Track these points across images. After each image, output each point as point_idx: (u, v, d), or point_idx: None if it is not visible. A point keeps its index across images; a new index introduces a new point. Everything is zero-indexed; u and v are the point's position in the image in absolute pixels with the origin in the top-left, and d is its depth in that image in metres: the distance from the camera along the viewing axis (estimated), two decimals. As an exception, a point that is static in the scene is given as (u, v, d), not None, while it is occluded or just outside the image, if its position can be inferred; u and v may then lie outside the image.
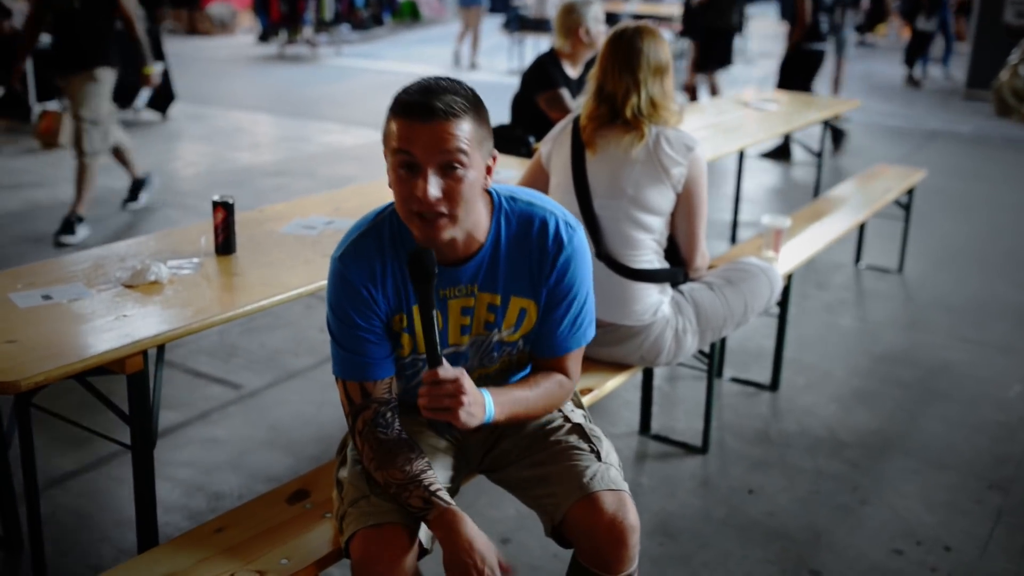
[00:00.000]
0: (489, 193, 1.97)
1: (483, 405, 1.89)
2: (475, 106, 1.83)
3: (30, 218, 6.26)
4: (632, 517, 1.97)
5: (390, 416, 1.97)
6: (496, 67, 13.96)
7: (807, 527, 3.12)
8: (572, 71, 4.69)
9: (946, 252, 6.15)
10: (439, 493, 1.88)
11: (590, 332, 2.11)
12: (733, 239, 6.14)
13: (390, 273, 1.92)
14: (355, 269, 1.91)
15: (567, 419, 2.15)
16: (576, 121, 2.97)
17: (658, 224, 2.90)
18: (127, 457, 3.37)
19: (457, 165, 1.78)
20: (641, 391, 3.68)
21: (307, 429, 3.65)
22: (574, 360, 2.12)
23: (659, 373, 4.05)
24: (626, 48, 2.87)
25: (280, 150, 8.67)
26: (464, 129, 1.78)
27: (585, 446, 2.06)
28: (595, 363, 2.98)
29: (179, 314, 2.30)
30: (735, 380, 4.15)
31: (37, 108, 8.58)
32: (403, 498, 1.90)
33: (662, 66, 2.87)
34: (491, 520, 3.06)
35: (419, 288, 1.83)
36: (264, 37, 16.37)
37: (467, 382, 1.84)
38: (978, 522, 3.18)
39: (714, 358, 3.48)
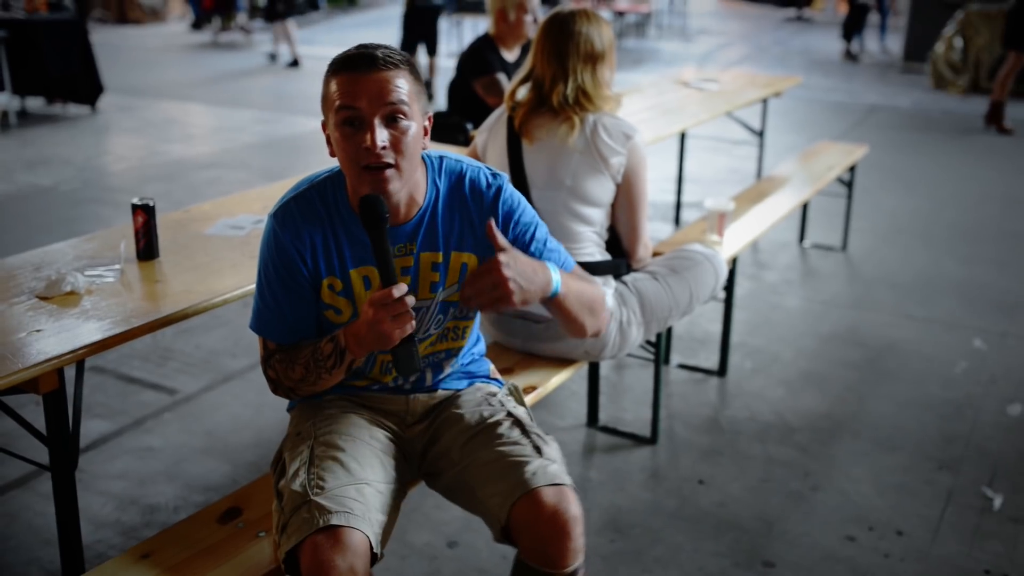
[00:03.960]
0: (423, 159, 2.02)
1: (544, 278, 1.95)
2: (408, 63, 1.91)
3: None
4: (574, 508, 1.90)
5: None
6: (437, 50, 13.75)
7: (759, 516, 3.08)
8: (509, 55, 4.59)
9: (890, 228, 6.16)
10: (329, 337, 1.94)
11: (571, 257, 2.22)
12: (677, 221, 6.09)
13: (320, 236, 1.96)
14: (287, 228, 1.96)
15: (509, 414, 2.10)
16: (512, 110, 2.87)
17: (598, 216, 2.82)
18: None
19: (400, 116, 1.85)
20: (588, 382, 3.61)
21: (245, 434, 3.53)
22: (580, 272, 2.22)
23: (606, 363, 3.99)
24: (557, 32, 2.77)
25: (214, 141, 8.47)
26: (403, 81, 1.86)
27: (526, 441, 2.01)
28: (538, 359, 2.90)
29: (97, 327, 2.17)
30: (683, 367, 4.10)
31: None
32: (319, 374, 1.95)
33: (596, 53, 2.77)
34: (437, 522, 2.97)
35: (372, 234, 1.85)
36: (197, 25, 16.02)
37: (507, 267, 1.86)
38: (929, 504, 3.16)
39: (661, 346, 3.41)
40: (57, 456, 2.15)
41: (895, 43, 14.35)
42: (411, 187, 1.95)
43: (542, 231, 2.12)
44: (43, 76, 8.95)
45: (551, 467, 1.94)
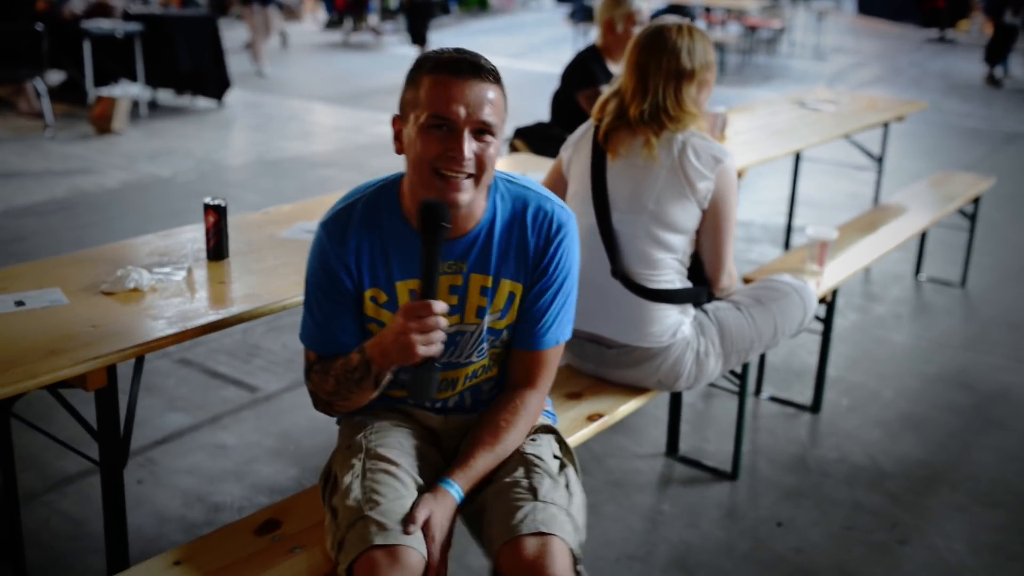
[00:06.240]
0: None
1: (451, 509, 1.87)
2: (501, 77, 1.85)
3: (71, 206, 6.23)
4: (558, 565, 1.76)
5: None
6: (562, 58, 13.71)
7: (837, 567, 2.90)
8: (615, 67, 4.48)
9: (1015, 265, 5.81)
10: (359, 348, 1.88)
11: (568, 331, 2.05)
12: (787, 245, 5.87)
13: (368, 246, 1.90)
14: (334, 237, 1.91)
15: (520, 453, 2.00)
16: (598, 126, 2.76)
17: (680, 243, 2.68)
18: (133, 460, 3.30)
19: (489, 132, 1.80)
20: (669, 410, 3.47)
21: (318, 437, 3.51)
22: (551, 360, 2.04)
23: (691, 391, 3.83)
24: (646, 46, 2.65)
25: (331, 140, 8.58)
26: (497, 96, 1.81)
27: (525, 482, 1.90)
28: (609, 385, 2.78)
29: (151, 326, 2.16)
30: (774, 399, 3.92)
31: (93, 93, 8.61)
32: (348, 388, 1.89)
33: (682, 69, 2.63)
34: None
35: (426, 239, 1.76)
36: (331, 24, 16.37)
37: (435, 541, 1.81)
38: (1028, 569, 2.93)
39: (746, 378, 3.26)
40: (106, 453, 2.15)
41: (1043, 69, 13.66)
42: (473, 200, 1.88)
43: (563, 299, 1.99)
44: (174, 69, 9.23)
45: (542, 513, 1.84)
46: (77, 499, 3.10)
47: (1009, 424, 3.83)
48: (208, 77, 9.42)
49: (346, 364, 1.89)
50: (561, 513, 1.86)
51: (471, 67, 1.78)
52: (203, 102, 9.65)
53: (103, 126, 8.15)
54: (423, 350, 1.73)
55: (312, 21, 17.51)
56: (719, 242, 2.71)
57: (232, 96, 9.79)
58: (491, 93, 1.80)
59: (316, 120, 9.56)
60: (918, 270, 5.44)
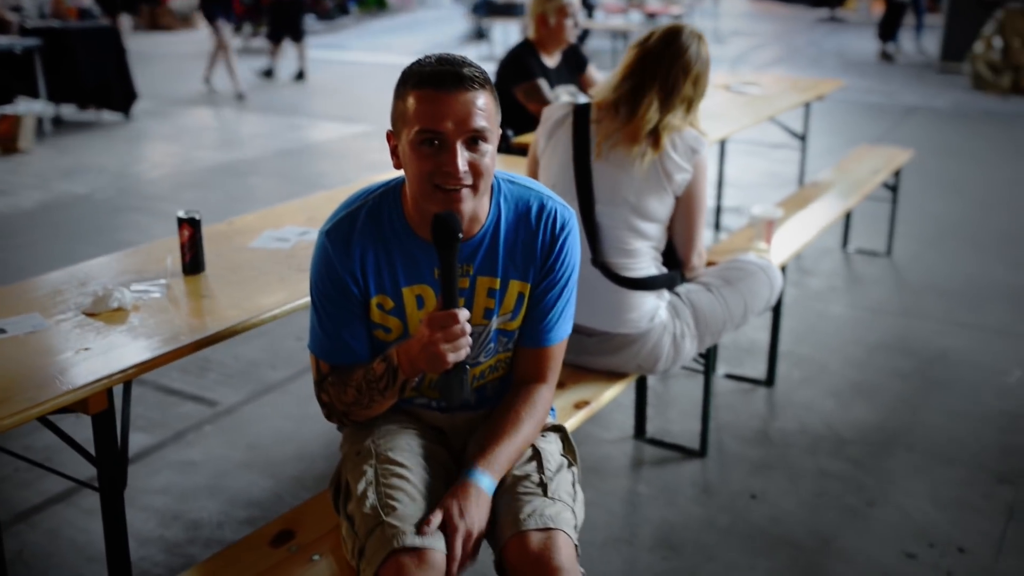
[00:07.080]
0: None
1: (486, 504, 1.88)
2: (488, 79, 1.81)
3: (-9, 229, 6.04)
4: (563, 557, 1.80)
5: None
6: (466, 54, 13.71)
7: (814, 533, 3.00)
8: (549, 60, 4.53)
9: (935, 232, 6.04)
10: (382, 357, 1.87)
11: (571, 325, 2.07)
12: (717, 226, 6.00)
13: (372, 254, 1.89)
14: (338, 246, 1.89)
15: (532, 446, 2.03)
16: (577, 114, 2.78)
17: (656, 231, 2.74)
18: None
19: (482, 139, 1.77)
20: (635, 393, 3.54)
21: (287, 447, 3.48)
22: (558, 355, 2.06)
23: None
24: (652, 49, 2.68)
25: (250, 148, 8.46)
26: (485, 101, 1.77)
27: (536, 477, 1.94)
28: (589, 373, 2.83)
29: (146, 345, 2.13)
30: (730, 376, 4.02)
31: (-6, 112, 8.34)
32: (371, 396, 1.89)
33: (691, 73, 2.68)
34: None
35: (443, 253, 1.76)
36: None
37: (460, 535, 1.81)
38: (990, 519, 3.07)
39: (710, 358, 3.34)
40: (106, 477, 2.11)
41: (931, 43, 14.17)
42: (476, 205, 1.87)
43: (568, 294, 2.01)
44: (77, 84, 8.99)
45: (550, 508, 1.87)
46: (45, 530, 3.02)
47: (951, 385, 3.99)
48: (113, 90, 9.19)
49: (368, 374, 1.89)
50: (566, 510, 1.90)
51: (455, 78, 1.74)
52: (109, 116, 9.41)
53: (8, 145, 7.90)
54: (452, 357, 1.74)
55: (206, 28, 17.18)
56: (691, 225, 2.78)
57: (138, 108, 9.57)
58: (480, 99, 1.76)
59: (231, 128, 9.41)
60: (845, 242, 5.62)
